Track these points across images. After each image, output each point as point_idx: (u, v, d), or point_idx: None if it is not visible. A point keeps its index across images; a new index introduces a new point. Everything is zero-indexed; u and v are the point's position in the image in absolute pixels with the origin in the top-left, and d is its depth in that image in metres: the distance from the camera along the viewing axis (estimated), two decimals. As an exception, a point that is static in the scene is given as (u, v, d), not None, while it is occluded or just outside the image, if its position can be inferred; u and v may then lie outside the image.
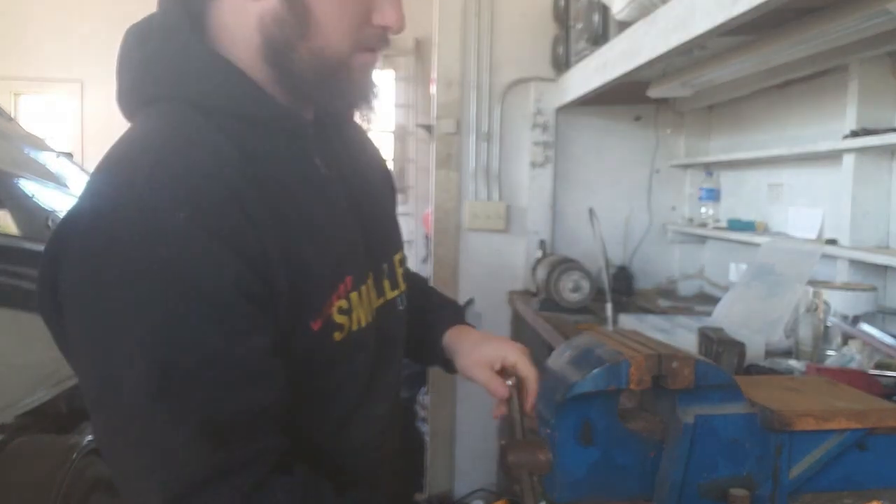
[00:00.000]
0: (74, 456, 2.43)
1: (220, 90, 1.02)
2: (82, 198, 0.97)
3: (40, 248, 2.52)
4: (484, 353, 1.37)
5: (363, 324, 1.12)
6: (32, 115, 9.25)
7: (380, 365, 1.18)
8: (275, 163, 1.04)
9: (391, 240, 1.28)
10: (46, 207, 2.65)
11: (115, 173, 0.99)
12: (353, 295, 1.09)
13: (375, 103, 1.13)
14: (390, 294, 1.24)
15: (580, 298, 3.14)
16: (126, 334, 0.88)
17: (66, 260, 0.93)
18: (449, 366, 1.47)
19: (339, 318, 1.06)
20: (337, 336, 1.07)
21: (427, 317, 1.46)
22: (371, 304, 1.16)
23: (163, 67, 1.04)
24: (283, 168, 1.05)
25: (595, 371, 1.09)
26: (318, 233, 1.05)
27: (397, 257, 1.28)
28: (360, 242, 1.15)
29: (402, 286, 1.29)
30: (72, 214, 0.96)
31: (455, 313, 1.52)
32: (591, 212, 2.27)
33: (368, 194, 1.23)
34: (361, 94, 1.10)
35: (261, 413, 0.92)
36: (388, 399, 1.24)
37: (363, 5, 1.05)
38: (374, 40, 1.07)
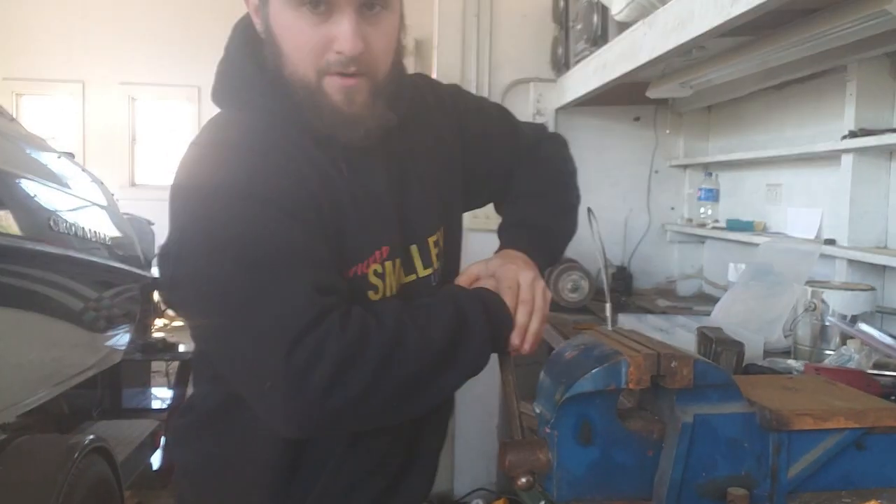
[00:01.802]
0: (76, 455, 2.43)
1: (270, 102, 1.23)
2: (191, 158, 1.21)
3: (42, 248, 2.54)
4: (472, 271, 1.38)
5: (394, 292, 1.28)
6: (34, 115, 9.25)
7: None
8: (311, 161, 1.22)
9: (426, 224, 1.38)
10: (48, 208, 2.65)
11: (217, 143, 1.22)
12: (388, 264, 1.27)
13: (366, 121, 1.23)
14: (423, 272, 1.36)
15: (579, 298, 3.15)
16: (261, 227, 1.12)
17: (189, 187, 1.17)
18: None
19: (374, 280, 1.25)
20: (372, 296, 1.25)
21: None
22: (399, 280, 1.31)
23: (231, 83, 1.29)
24: (316, 165, 1.23)
25: (594, 371, 1.09)
26: (355, 209, 1.23)
27: (431, 239, 1.38)
28: (393, 225, 1.30)
29: (436, 264, 1.39)
30: (185, 174, 1.20)
31: (508, 237, 1.53)
32: (589, 211, 2.26)
33: (408, 185, 1.36)
34: (343, 117, 1.21)
35: (333, 284, 1.14)
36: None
37: (320, 36, 1.17)
38: (336, 66, 1.18)
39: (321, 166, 1.23)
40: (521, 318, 1.23)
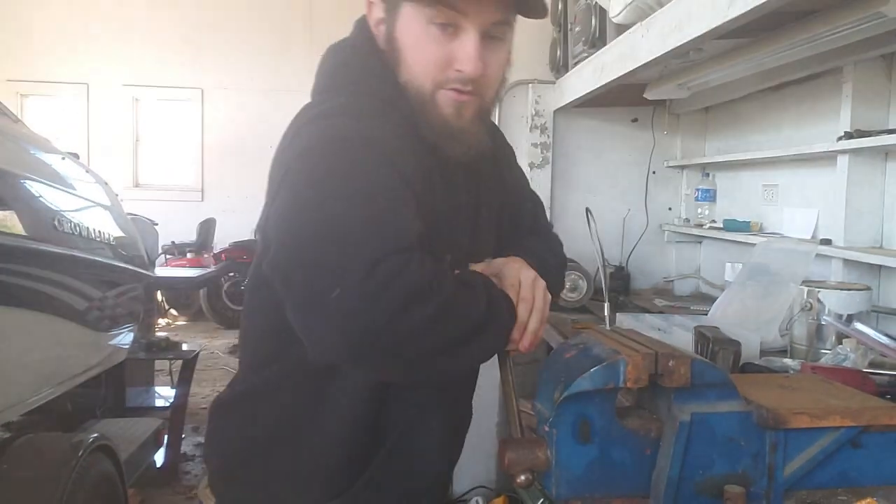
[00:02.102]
0: (80, 453, 2.44)
1: (388, 91, 1.29)
2: (306, 121, 1.28)
3: (46, 248, 2.55)
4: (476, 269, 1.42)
5: None
6: (38, 116, 9.26)
7: None
8: (414, 155, 1.25)
9: (487, 249, 1.43)
10: (52, 208, 2.66)
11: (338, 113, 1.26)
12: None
13: (468, 137, 1.31)
14: None
15: (578, 298, 3.17)
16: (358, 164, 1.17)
17: (310, 142, 1.22)
18: None
19: None
20: None
21: None
22: None
23: (350, 70, 1.35)
24: (417, 162, 1.25)
25: (593, 370, 1.11)
26: (435, 213, 1.26)
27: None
28: (463, 241, 1.37)
29: None
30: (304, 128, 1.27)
31: (511, 251, 1.53)
32: (587, 212, 2.28)
33: (479, 209, 1.43)
34: (450, 130, 1.28)
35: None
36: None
37: (444, 52, 1.24)
38: (455, 83, 1.26)
39: (422, 167, 1.27)
40: (521, 315, 1.23)
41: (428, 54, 1.25)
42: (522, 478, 1.14)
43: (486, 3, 1.23)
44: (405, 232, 1.12)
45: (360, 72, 1.33)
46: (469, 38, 1.23)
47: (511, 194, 1.57)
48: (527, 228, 1.61)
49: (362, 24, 1.37)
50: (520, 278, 1.28)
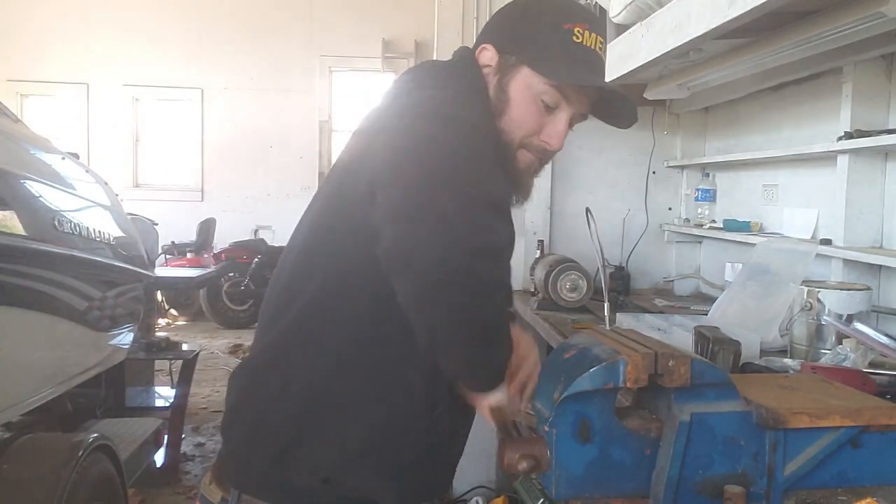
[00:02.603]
0: (80, 453, 2.44)
1: (485, 101, 1.42)
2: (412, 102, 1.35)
3: (46, 248, 2.55)
4: None
5: None
6: (38, 116, 9.27)
7: None
8: None
9: None
10: (52, 208, 2.66)
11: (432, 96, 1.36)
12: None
13: (524, 191, 1.49)
14: None
15: (578, 298, 3.17)
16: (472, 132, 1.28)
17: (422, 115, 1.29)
18: None
19: None
20: None
21: None
22: None
23: (442, 69, 1.49)
24: None
25: (593, 370, 1.11)
26: None
27: None
28: None
29: None
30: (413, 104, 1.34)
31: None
32: (587, 211, 2.28)
33: None
34: (520, 184, 1.46)
35: None
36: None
37: (539, 121, 1.41)
38: (535, 148, 1.43)
39: None
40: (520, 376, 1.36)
41: (528, 118, 1.41)
42: (524, 464, 1.14)
43: (586, 102, 1.43)
44: (509, 195, 1.33)
45: (469, 83, 1.43)
46: (562, 120, 1.42)
47: None
48: None
49: (471, 55, 1.48)
50: (533, 357, 1.40)
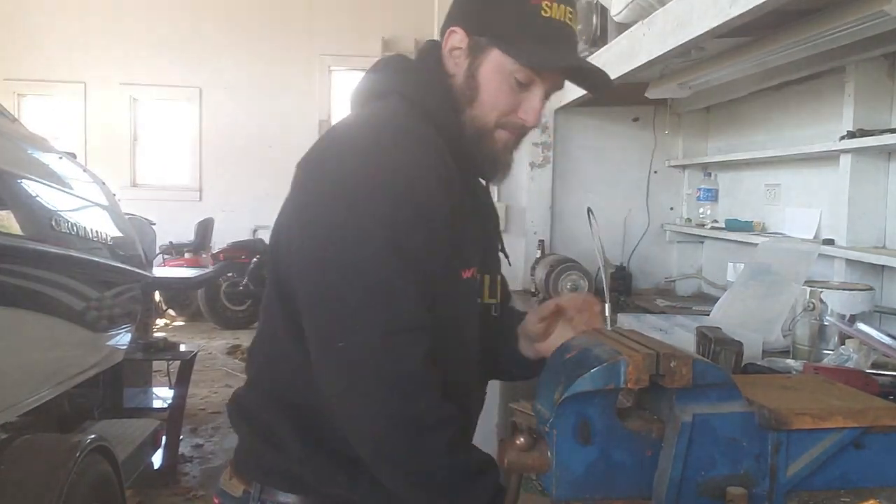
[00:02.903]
0: (77, 454, 2.44)
1: (439, 103, 1.41)
2: (327, 149, 1.35)
3: (43, 248, 2.54)
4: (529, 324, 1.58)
5: (486, 301, 1.51)
6: (36, 116, 9.27)
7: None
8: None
9: (496, 262, 1.60)
10: (49, 208, 2.65)
11: (361, 135, 1.35)
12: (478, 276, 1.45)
13: (505, 169, 1.49)
14: (488, 300, 1.53)
15: (579, 298, 3.15)
16: (374, 220, 1.23)
17: (324, 181, 1.30)
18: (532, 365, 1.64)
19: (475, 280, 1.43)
20: (484, 298, 1.49)
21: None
22: (482, 293, 1.50)
23: (398, 71, 1.47)
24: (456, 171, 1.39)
25: (593, 370, 1.10)
26: (467, 224, 1.39)
27: (498, 277, 1.59)
28: (482, 249, 1.50)
29: (498, 298, 1.59)
30: (322, 154, 1.35)
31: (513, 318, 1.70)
32: (589, 211, 2.27)
33: (490, 228, 1.61)
34: (496, 159, 1.45)
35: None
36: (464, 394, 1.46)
37: (514, 100, 1.40)
38: (513, 126, 1.42)
39: (460, 181, 1.40)
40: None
41: (501, 99, 1.40)
42: (521, 440, 1.14)
43: (560, 75, 1.41)
44: (420, 306, 1.25)
45: (427, 88, 1.43)
46: (537, 96, 1.40)
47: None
48: None
49: (433, 49, 1.48)
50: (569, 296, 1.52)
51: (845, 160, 2.51)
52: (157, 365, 5.02)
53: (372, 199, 1.24)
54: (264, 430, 1.40)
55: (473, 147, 1.43)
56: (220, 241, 9.04)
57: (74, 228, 2.83)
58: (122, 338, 3.51)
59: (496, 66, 1.38)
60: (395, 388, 1.20)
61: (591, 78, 1.47)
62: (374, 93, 1.45)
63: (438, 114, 1.41)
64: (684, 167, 3.93)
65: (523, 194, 3.85)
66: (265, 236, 9.48)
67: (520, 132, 1.45)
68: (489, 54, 1.38)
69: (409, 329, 1.22)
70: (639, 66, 2.52)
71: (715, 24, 1.90)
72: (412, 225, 1.25)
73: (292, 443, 1.36)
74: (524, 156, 3.83)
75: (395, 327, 1.21)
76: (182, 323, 9.29)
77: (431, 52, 1.47)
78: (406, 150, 1.29)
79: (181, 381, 4.38)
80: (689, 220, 3.90)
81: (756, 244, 2.82)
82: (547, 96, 1.43)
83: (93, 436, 2.64)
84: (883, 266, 2.40)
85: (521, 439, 1.15)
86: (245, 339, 8.00)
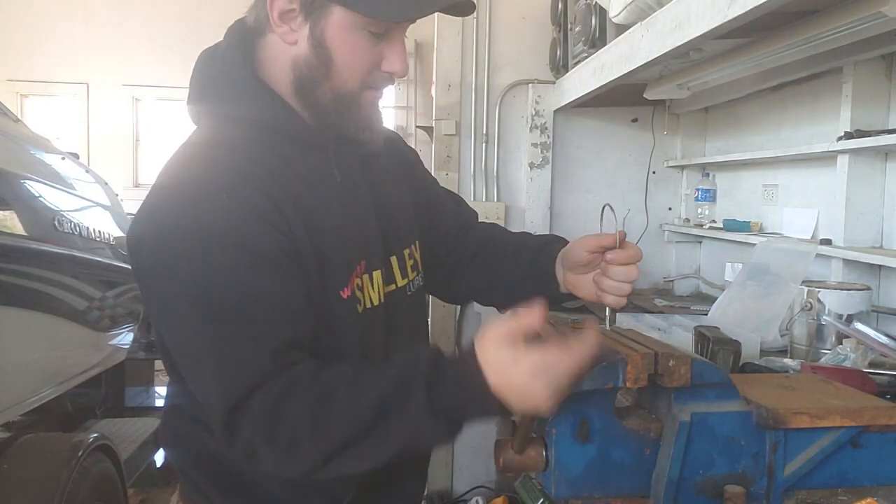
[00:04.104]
0: (80, 453, 2.45)
1: (265, 112, 1.29)
2: (156, 186, 1.28)
3: (46, 248, 2.55)
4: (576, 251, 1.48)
5: (375, 303, 1.34)
6: (38, 116, 9.25)
7: (392, 348, 1.37)
8: (300, 167, 1.29)
9: (402, 236, 1.46)
10: (52, 208, 2.66)
11: (176, 174, 1.29)
12: (366, 277, 1.32)
13: (378, 127, 1.37)
14: (401, 282, 1.43)
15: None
16: (186, 277, 1.15)
17: (147, 232, 1.22)
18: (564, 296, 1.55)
19: (357, 294, 1.30)
20: (359, 308, 1.31)
21: (536, 256, 1.57)
22: (381, 289, 1.36)
23: (221, 89, 1.33)
24: (307, 171, 1.29)
25: (592, 369, 1.11)
26: (335, 222, 1.28)
27: (406, 251, 1.46)
28: (375, 236, 1.37)
29: (412, 276, 1.47)
30: (148, 200, 1.27)
31: (557, 242, 1.59)
32: (608, 208, 2.28)
33: (386, 199, 1.44)
34: (367, 123, 1.33)
35: (293, 339, 1.16)
36: None
37: (374, 54, 1.27)
38: (380, 82, 1.31)
39: (314, 171, 1.31)
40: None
41: (360, 58, 1.26)
42: (518, 418, 1.15)
43: (418, 14, 1.26)
44: (267, 359, 1.12)
45: (234, 90, 1.32)
46: (398, 42, 1.29)
47: (424, 189, 1.65)
48: (452, 214, 1.69)
49: (233, 31, 1.38)
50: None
51: (843, 161, 2.51)
52: (158, 364, 5.01)
53: (189, 269, 1.15)
54: (187, 479, 1.40)
55: (338, 121, 1.30)
56: (220, 241, 9.01)
57: (77, 229, 2.84)
58: (125, 337, 3.52)
59: (344, 25, 1.23)
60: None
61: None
62: (191, 107, 1.38)
63: (267, 115, 1.29)
64: (683, 168, 3.93)
65: (522, 195, 3.86)
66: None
67: (387, 84, 1.32)
68: (330, 13, 1.23)
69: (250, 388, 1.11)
70: (638, 67, 2.52)
71: (713, 26, 1.91)
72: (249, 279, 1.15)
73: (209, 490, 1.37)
74: (523, 156, 3.84)
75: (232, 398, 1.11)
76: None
77: (240, 36, 1.35)
78: (218, 215, 1.16)
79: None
80: (687, 220, 3.90)
81: (754, 244, 2.83)
82: (406, 28, 1.31)
83: (95, 435, 2.65)
84: (880, 266, 2.41)
85: (516, 438, 1.16)
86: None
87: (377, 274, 1.35)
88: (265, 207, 1.18)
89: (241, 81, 1.31)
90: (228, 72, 1.32)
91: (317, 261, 1.23)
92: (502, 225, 3.82)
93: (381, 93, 1.33)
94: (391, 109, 7.49)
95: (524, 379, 1.02)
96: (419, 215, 1.57)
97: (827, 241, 2.55)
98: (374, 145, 1.37)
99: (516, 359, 1.02)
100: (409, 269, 1.46)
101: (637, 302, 3.46)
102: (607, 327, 1.40)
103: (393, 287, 1.41)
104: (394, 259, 1.42)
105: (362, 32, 1.24)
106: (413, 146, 6.64)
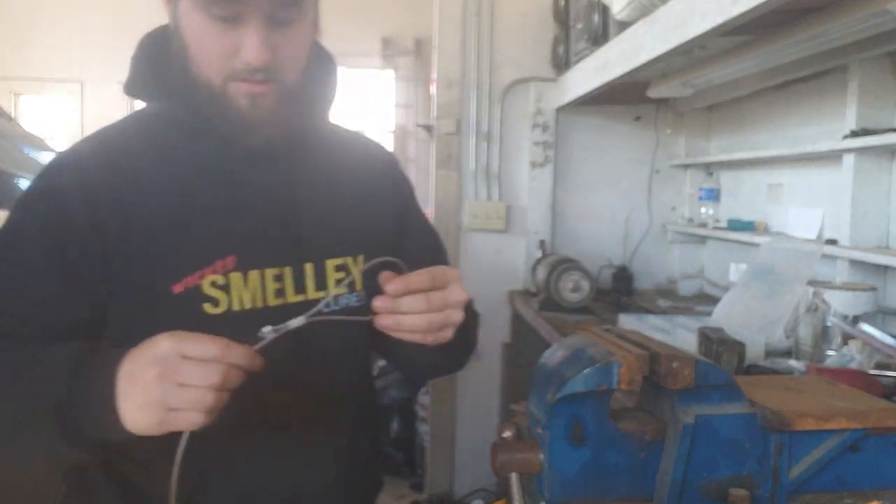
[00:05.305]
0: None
1: (163, 101, 1.28)
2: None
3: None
4: None
5: (246, 306, 1.23)
6: (32, 114, 9.26)
7: (287, 365, 1.21)
8: (183, 158, 1.25)
9: (328, 245, 1.33)
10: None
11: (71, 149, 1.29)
12: (235, 275, 1.22)
13: (275, 123, 1.24)
14: (313, 294, 1.30)
15: (580, 298, 3.15)
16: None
17: None
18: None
19: (213, 292, 1.20)
20: (209, 309, 1.20)
21: None
22: (268, 294, 1.26)
23: (145, 74, 1.30)
24: (189, 163, 1.25)
25: (586, 371, 1.09)
26: (190, 214, 1.22)
27: (333, 262, 1.33)
28: (266, 235, 1.27)
29: (333, 290, 1.31)
30: None
31: None
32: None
33: (312, 203, 1.34)
34: (248, 123, 1.21)
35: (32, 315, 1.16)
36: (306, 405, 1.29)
37: (228, 41, 1.16)
38: (244, 73, 1.17)
39: (196, 164, 1.25)
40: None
41: (212, 47, 1.16)
42: (507, 433, 1.14)
43: None
44: None
45: (143, 77, 1.30)
46: (251, 28, 1.14)
47: (407, 225, 1.51)
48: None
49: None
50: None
51: (848, 159, 2.49)
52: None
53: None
54: None
55: (212, 112, 1.21)
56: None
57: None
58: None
59: (190, 10, 1.16)
60: None
61: None
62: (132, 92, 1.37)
63: (164, 105, 1.27)
64: (686, 167, 3.92)
65: (524, 194, 3.84)
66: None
67: (263, 79, 1.18)
68: (180, 1, 1.17)
69: None
70: (640, 65, 2.50)
71: (717, 23, 1.89)
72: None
73: None
74: (525, 154, 3.83)
75: None
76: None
77: (163, 27, 1.32)
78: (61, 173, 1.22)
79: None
80: (691, 219, 3.89)
81: (758, 244, 2.81)
82: (274, 23, 1.16)
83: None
84: (886, 266, 2.39)
85: (508, 433, 1.15)
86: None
87: (254, 275, 1.24)
88: (71, 193, 1.18)
89: (154, 69, 1.29)
90: (149, 56, 1.31)
91: (140, 253, 1.18)
92: (503, 224, 3.81)
93: (257, 86, 1.19)
94: (391, 108, 7.47)
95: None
96: (387, 240, 1.41)
97: (832, 241, 2.53)
98: (267, 147, 1.26)
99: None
100: (328, 283, 1.32)
101: (640, 302, 3.45)
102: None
103: (301, 298, 1.28)
104: (309, 266, 1.30)
105: (205, 15, 1.14)
106: (413, 145, 6.64)
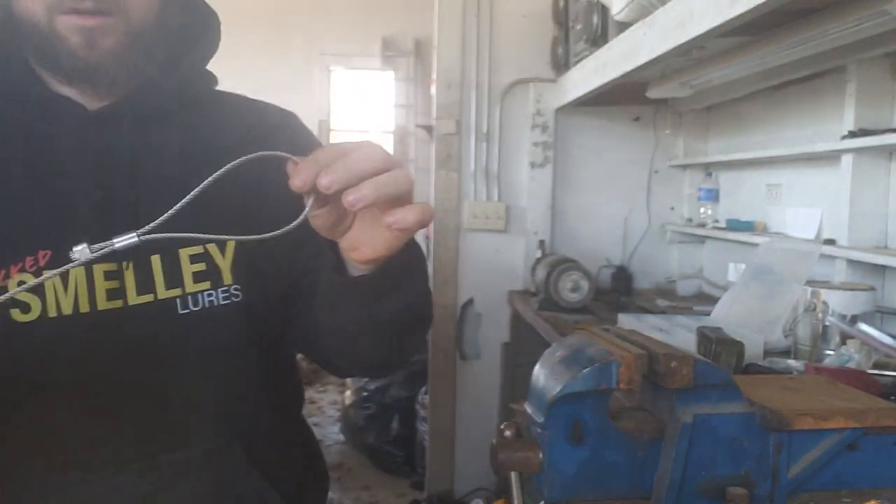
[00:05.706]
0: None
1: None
2: None
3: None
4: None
5: (65, 312, 0.99)
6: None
7: (142, 372, 1.04)
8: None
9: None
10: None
11: None
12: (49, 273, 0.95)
13: (128, 68, 1.02)
14: (165, 293, 1.05)
15: (579, 298, 3.15)
16: None
17: None
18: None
19: (21, 295, 0.97)
20: (18, 316, 0.98)
21: None
22: (98, 295, 1.02)
23: None
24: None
25: (585, 371, 1.09)
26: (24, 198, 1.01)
27: (189, 252, 1.06)
28: (103, 223, 1.02)
29: (199, 286, 1.07)
30: None
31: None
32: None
33: (168, 178, 1.07)
34: (80, 61, 0.99)
35: None
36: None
37: None
38: (70, 2, 0.96)
39: (1, 130, 1.04)
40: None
41: None
42: (508, 433, 1.14)
43: None
44: None
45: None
46: None
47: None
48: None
49: None
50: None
51: (847, 160, 2.50)
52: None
53: None
54: None
55: (43, 62, 1.01)
56: (220, 241, 9.02)
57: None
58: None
59: None
60: None
61: None
62: None
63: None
64: (685, 167, 3.92)
65: (523, 194, 3.85)
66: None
67: (98, 10, 0.96)
68: None
69: None
70: (639, 66, 2.50)
71: (716, 24, 1.89)
72: None
73: None
74: (524, 155, 3.83)
75: None
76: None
77: None
78: None
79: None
80: (689, 220, 3.89)
81: (757, 244, 2.81)
82: None
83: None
84: (884, 266, 2.39)
85: (508, 433, 1.15)
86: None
87: (77, 273, 0.99)
88: None
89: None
90: None
91: None
92: (503, 224, 3.82)
93: (90, 19, 0.97)
94: (391, 108, 7.48)
95: None
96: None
97: (831, 241, 2.54)
98: (110, 96, 1.04)
99: None
100: (184, 277, 1.06)
101: (639, 302, 3.45)
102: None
103: (149, 298, 1.04)
104: (156, 259, 1.04)
105: None
106: (413, 145, 6.61)
